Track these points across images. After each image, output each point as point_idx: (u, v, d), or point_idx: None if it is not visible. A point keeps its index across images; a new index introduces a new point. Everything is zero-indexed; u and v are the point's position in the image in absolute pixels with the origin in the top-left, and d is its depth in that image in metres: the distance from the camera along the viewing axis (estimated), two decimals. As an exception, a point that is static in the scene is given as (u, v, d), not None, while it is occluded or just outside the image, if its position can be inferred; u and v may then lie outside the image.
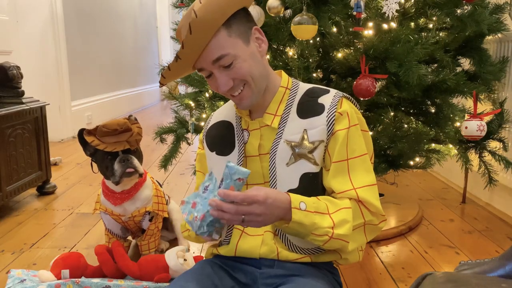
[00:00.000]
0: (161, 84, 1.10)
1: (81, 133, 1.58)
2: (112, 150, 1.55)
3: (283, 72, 1.12)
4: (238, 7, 0.98)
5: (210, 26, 0.94)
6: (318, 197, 0.98)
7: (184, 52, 0.96)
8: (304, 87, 1.10)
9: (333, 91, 1.07)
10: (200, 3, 0.93)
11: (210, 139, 1.16)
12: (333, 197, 1.01)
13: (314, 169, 1.01)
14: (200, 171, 1.22)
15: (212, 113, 1.23)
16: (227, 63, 0.98)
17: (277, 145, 1.04)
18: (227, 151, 1.10)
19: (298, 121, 1.04)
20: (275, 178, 1.03)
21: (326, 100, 1.04)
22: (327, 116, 1.02)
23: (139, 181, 1.66)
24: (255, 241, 1.05)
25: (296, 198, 0.93)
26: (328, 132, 1.01)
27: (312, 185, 1.01)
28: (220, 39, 0.96)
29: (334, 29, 1.73)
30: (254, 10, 1.61)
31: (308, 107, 1.05)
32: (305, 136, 1.02)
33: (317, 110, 1.03)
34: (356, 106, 1.08)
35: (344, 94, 1.07)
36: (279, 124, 1.05)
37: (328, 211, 0.95)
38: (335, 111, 1.02)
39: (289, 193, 0.94)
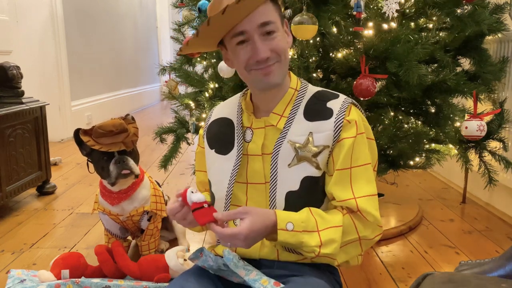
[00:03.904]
0: (179, 53, 1.13)
1: (77, 132, 1.57)
2: (107, 151, 1.54)
3: (291, 73, 1.10)
4: None
5: None
6: (311, 210, 0.99)
7: (223, 17, 0.91)
8: (312, 89, 1.09)
9: (342, 97, 1.06)
10: None
11: (210, 135, 1.16)
12: (333, 204, 1.03)
13: (316, 173, 1.01)
14: (200, 170, 1.22)
15: (213, 109, 1.22)
16: (271, 30, 0.99)
17: (280, 145, 1.03)
18: (226, 150, 1.10)
19: (304, 123, 1.03)
20: (275, 178, 1.02)
21: (335, 105, 1.03)
22: (335, 122, 1.01)
23: (137, 181, 1.65)
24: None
25: (283, 219, 0.94)
26: (334, 138, 1.01)
27: (312, 189, 1.01)
28: (269, 7, 0.99)
29: (334, 29, 1.73)
30: None
31: (316, 110, 1.04)
32: (310, 139, 1.01)
33: (325, 114, 1.03)
34: (362, 113, 1.08)
35: (353, 101, 1.06)
36: (284, 125, 1.04)
37: (317, 228, 0.96)
38: (343, 118, 1.01)
39: (277, 211, 0.96)
